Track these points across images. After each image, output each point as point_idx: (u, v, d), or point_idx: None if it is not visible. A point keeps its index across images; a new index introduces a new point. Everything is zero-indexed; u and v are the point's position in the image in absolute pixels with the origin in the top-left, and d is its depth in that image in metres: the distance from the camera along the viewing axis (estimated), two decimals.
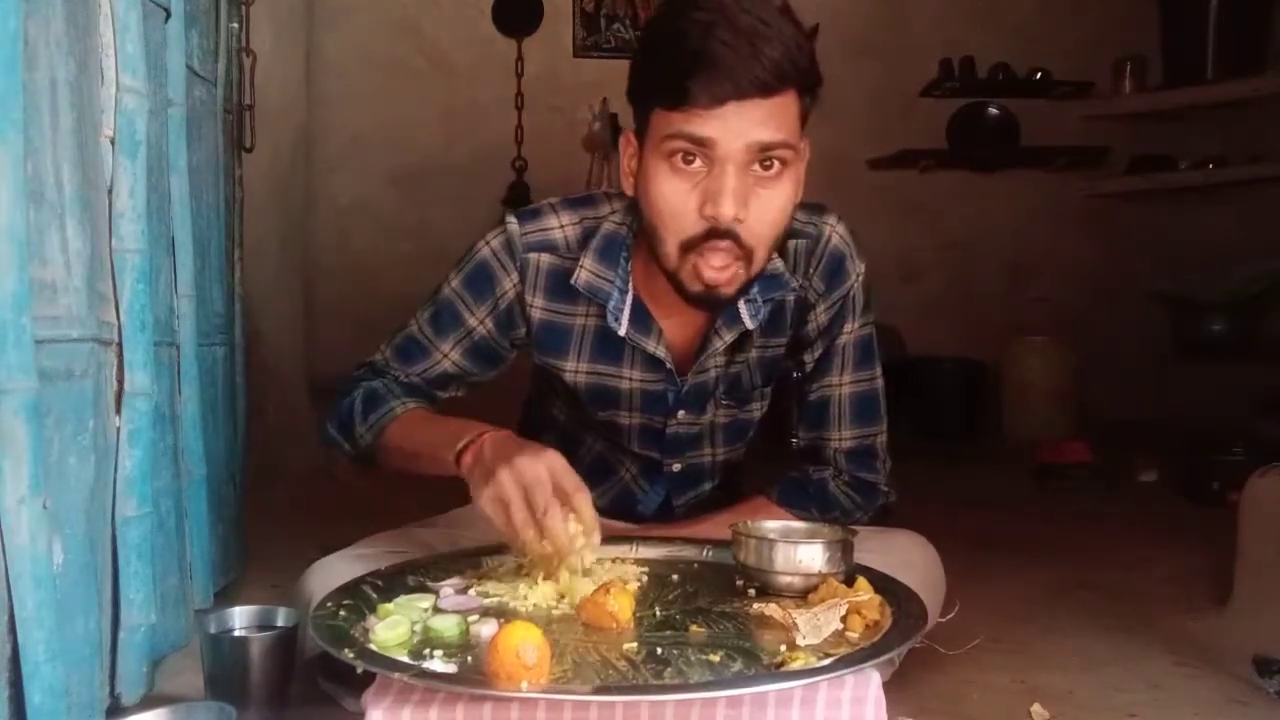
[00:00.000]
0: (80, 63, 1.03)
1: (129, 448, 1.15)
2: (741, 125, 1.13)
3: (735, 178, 1.15)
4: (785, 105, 1.15)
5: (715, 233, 1.17)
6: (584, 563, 1.12)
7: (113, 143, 1.14)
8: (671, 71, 1.14)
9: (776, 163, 1.17)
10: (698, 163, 1.16)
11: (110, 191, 1.13)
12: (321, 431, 1.41)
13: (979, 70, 4.13)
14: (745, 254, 1.20)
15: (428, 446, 1.24)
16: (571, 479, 1.10)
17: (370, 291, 3.57)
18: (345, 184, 3.86)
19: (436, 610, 1.06)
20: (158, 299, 1.28)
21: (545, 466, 1.09)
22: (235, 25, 1.87)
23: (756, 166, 1.17)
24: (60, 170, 0.98)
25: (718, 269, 1.19)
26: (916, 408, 3.87)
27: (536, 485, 1.07)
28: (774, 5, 1.16)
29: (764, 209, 1.18)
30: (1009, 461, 3.33)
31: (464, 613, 1.05)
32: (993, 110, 4.19)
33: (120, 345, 1.14)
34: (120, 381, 1.15)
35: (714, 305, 1.27)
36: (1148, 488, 2.96)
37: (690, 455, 1.47)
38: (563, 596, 1.11)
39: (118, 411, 1.14)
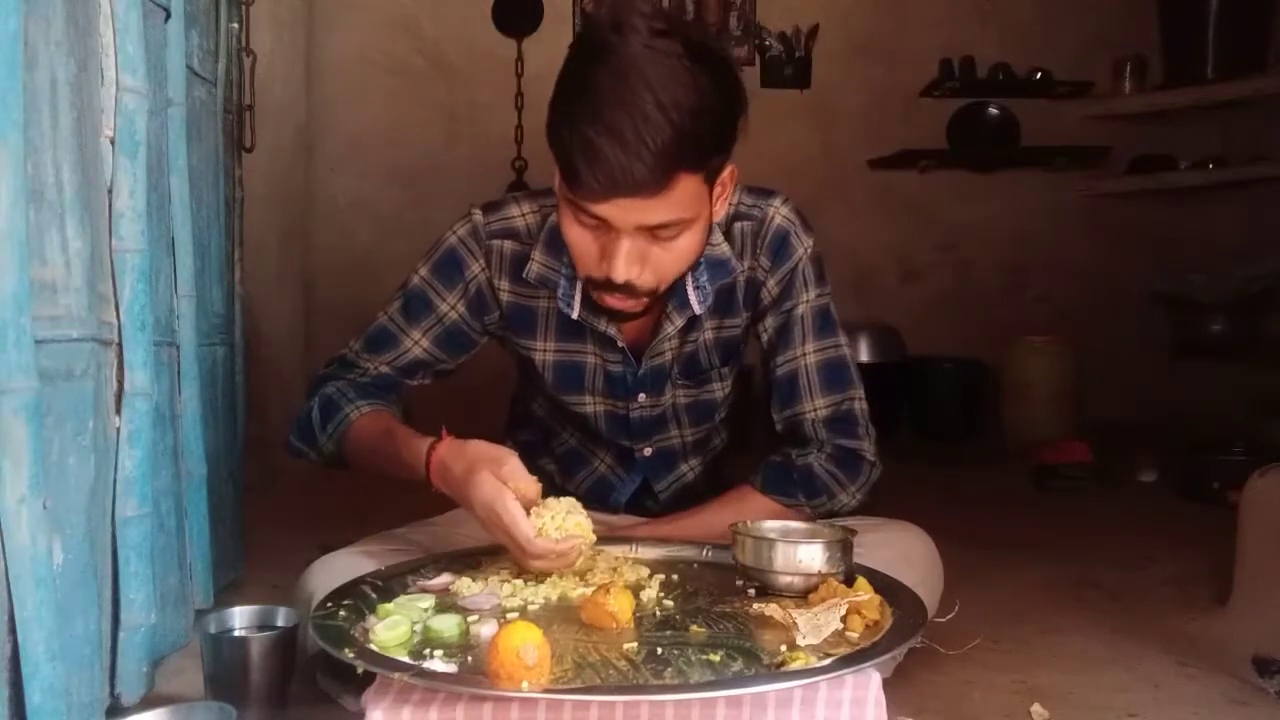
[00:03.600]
0: (80, 63, 1.03)
1: (129, 448, 1.15)
2: (629, 213, 1.14)
3: (629, 243, 1.18)
4: (677, 191, 1.13)
5: (611, 284, 1.21)
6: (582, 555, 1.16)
7: (113, 143, 1.14)
8: (564, 150, 1.14)
9: (673, 230, 1.18)
10: (597, 224, 1.19)
11: (110, 191, 1.13)
12: (287, 445, 1.43)
13: (979, 70, 4.12)
14: (646, 293, 1.24)
15: (388, 459, 1.30)
16: (524, 483, 1.15)
17: (370, 291, 3.52)
18: (345, 184, 3.85)
19: (439, 610, 1.06)
20: (158, 299, 1.28)
21: (496, 505, 1.13)
22: (235, 25, 1.88)
23: (654, 233, 1.18)
24: (60, 170, 0.98)
25: (619, 303, 1.26)
26: (916, 408, 3.87)
27: (497, 530, 1.14)
28: (681, 64, 1.10)
29: (660, 263, 1.22)
30: (1009, 461, 3.33)
31: (478, 612, 1.06)
32: (993, 110, 4.18)
33: (120, 345, 1.14)
34: (120, 381, 1.15)
35: (623, 319, 1.33)
36: (1148, 488, 2.96)
37: (658, 439, 1.49)
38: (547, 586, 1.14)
39: (118, 411, 1.14)
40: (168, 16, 1.37)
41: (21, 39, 0.86)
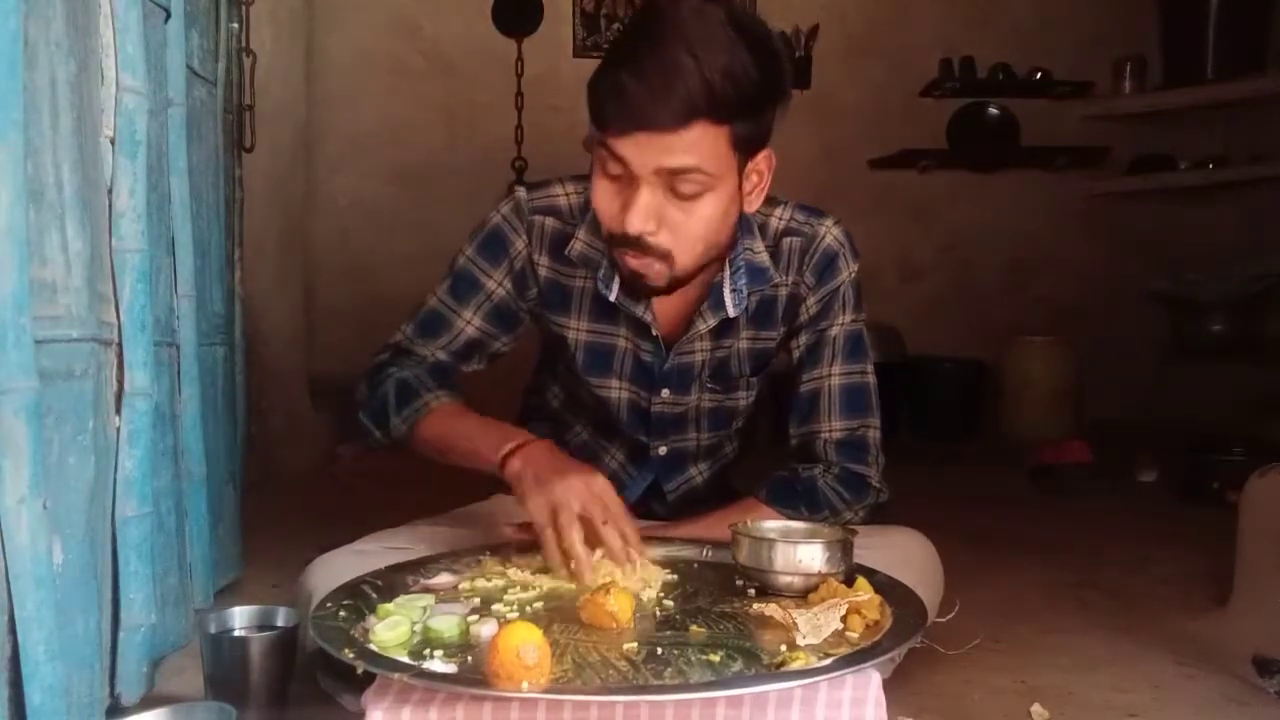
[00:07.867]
0: (80, 63, 1.03)
1: (129, 448, 1.15)
2: (649, 152, 1.17)
3: (647, 194, 1.20)
4: (699, 137, 1.16)
5: (628, 239, 1.23)
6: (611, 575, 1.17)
7: (113, 143, 1.14)
8: (596, 93, 1.19)
9: (692, 185, 1.20)
10: (621, 172, 1.21)
11: (110, 191, 1.13)
12: (357, 418, 1.44)
13: (979, 70, 4.12)
14: (663, 256, 1.25)
15: (466, 444, 1.32)
16: (619, 504, 1.19)
17: (370, 291, 3.57)
18: (345, 184, 3.86)
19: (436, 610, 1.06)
20: (158, 299, 1.28)
21: (597, 488, 1.18)
22: (235, 25, 1.88)
23: (673, 186, 1.20)
24: (60, 170, 0.98)
25: (638, 263, 1.26)
26: (916, 408, 3.87)
27: (592, 501, 1.18)
28: (724, 30, 1.16)
29: (679, 225, 1.23)
30: (1008, 461, 3.33)
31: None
32: (993, 110, 4.19)
33: (120, 345, 1.14)
34: (120, 381, 1.15)
35: (642, 293, 1.33)
36: (1148, 488, 2.96)
37: (675, 438, 1.50)
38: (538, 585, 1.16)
39: (118, 411, 1.14)
40: (168, 16, 1.37)
41: (21, 39, 0.86)
